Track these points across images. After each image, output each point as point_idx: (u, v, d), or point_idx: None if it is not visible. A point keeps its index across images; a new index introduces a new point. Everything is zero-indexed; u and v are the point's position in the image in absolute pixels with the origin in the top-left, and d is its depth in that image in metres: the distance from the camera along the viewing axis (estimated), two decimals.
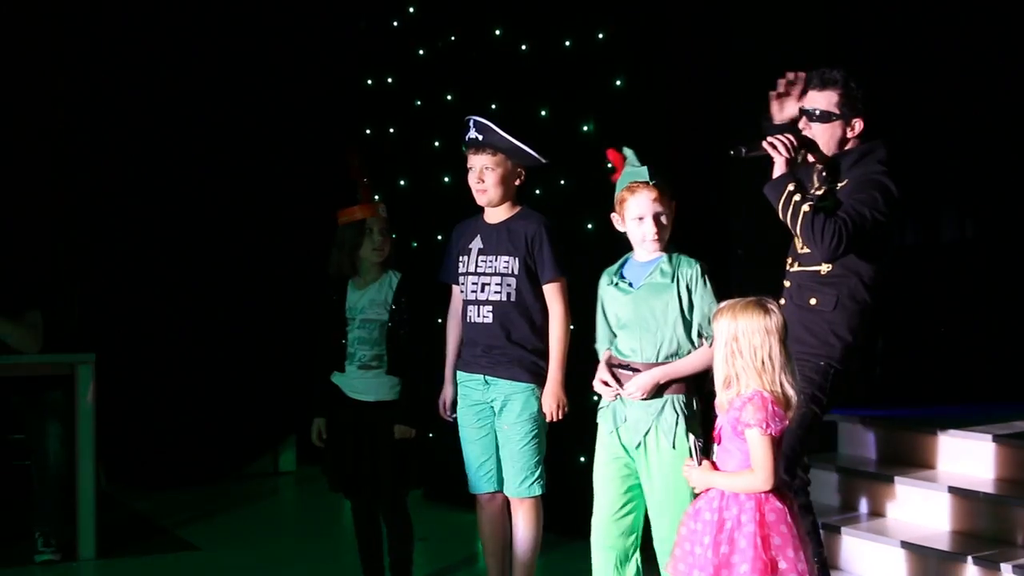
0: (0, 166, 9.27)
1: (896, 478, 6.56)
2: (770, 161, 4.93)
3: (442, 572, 6.55)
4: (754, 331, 4.15)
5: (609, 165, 4.96)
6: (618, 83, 7.10)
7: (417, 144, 8.34)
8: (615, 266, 4.91)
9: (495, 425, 5.39)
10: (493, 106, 7.72)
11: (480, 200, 5.45)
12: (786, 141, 4.89)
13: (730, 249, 7.31)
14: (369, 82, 8.92)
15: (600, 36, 7.12)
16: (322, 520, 7.93)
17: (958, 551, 5.96)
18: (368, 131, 8.75)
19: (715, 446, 4.32)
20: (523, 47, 7.67)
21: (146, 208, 8.80)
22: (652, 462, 4.74)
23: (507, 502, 5.46)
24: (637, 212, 4.79)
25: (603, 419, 4.85)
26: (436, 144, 8.07)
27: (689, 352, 4.76)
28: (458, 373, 5.51)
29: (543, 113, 7.34)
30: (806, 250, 4.95)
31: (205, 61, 8.94)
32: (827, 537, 6.33)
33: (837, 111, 4.98)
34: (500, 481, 5.43)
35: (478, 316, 5.41)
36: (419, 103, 8.47)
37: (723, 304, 4.29)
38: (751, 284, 4.73)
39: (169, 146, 8.85)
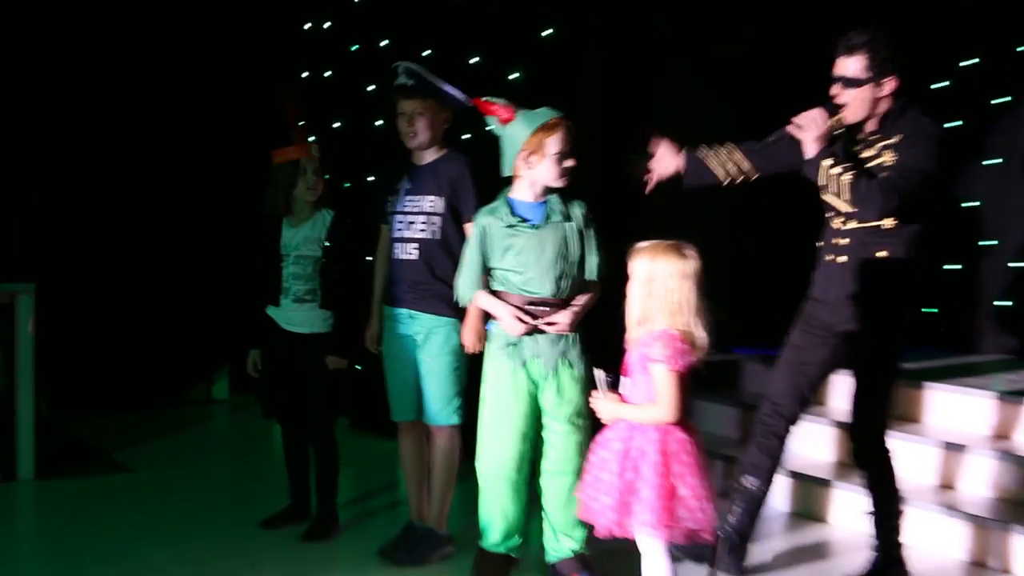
0: None
1: None
2: (796, 146, 4.99)
3: (365, 496, 6.62)
4: (670, 274, 4.22)
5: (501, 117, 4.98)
6: (544, 33, 7.13)
7: (352, 88, 8.34)
8: (499, 207, 4.96)
9: (418, 356, 5.44)
10: (426, 52, 7.75)
11: (410, 144, 5.47)
12: (815, 119, 4.90)
13: (645, 196, 7.38)
14: (307, 26, 8.89)
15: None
16: (253, 445, 8.01)
17: (833, 477, 6.23)
18: (305, 74, 8.73)
19: (624, 379, 4.40)
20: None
21: (87, 143, 8.72)
22: (564, 388, 4.95)
23: (426, 430, 5.54)
24: (558, 149, 4.88)
25: (509, 356, 4.95)
26: (370, 88, 8.08)
27: (581, 286, 4.97)
28: (385, 308, 5.56)
29: (473, 61, 7.35)
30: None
31: (154, 5, 8.87)
32: (726, 466, 6.48)
33: (865, 75, 4.93)
34: (419, 409, 5.49)
35: (404, 253, 5.44)
36: (355, 48, 8.45)
37: (642, 244, 4.33)
38: (662, 228, 4.69)
39: (109, 85, 8.76)
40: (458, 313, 5.31)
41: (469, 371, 5.44)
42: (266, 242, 5.86)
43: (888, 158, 4.95)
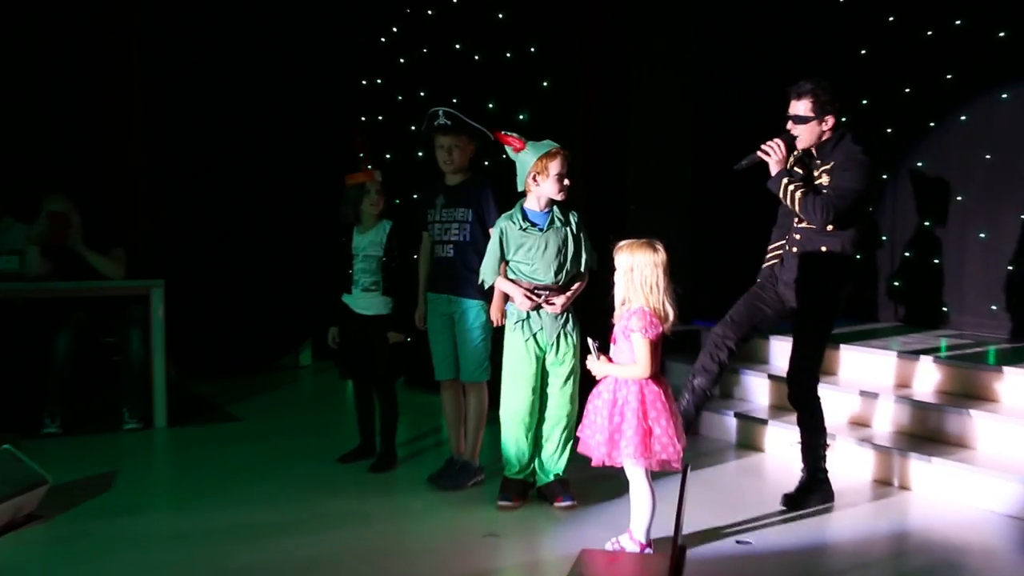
0: (92, 141, 9.21)
1: (739, 369, 6.67)
2: (765, 164, 5.01)
3: (416, 438, 6.56)
4: (646, 264, 4.27)
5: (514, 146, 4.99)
6: (545, 84, 7.08)
7: (399, 128, 8.29)
8: (515, 214, 5.00)
9: (455, 330, 5.44)
10: (454, 100, 7.68)
11: (447, 170, 5.48)
12: (775, 147, 4.94)
13: (624, 205, 7.36)
14: (364, 82, 8.84)
15: (532, 50, 7.10)
16: (329, 400, 7.96)
17: (772, 418, 6.12)
18: (363, 118, 8.67)
19: (612, 345, 4.39)
20: (476, 57, 7.63)
21: (201, 167, 8.68)
22: (562, 353, 5.03)
23: (462, 386, 5.51)
24: (557, 171, 4.91)
25: (519, 330, 5.01)
26: (412, 128, 8.03)
27: (575, 275, 5.02)
28: (428, 294, 5.55)
29: (490, 105, 7.30)
30: None
31: (254, 68, 8.83)
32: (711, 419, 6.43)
33: (812, 113, 4.98)
34: (457, 370, 5.47)
35: (443, 252, 5.46)
36: (400, 97, 8.41)
37: (622, 243, 4.37)
38: (638, 229, 4.71)
39: (226, 125, 8.74)
40: (485, 296, 5.31)
41: (493, 341, 5.41)
42: (340, 245, 5.88)
43: (825, 179, 4.98)
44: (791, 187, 4.95)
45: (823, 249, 5.00)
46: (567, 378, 5.04)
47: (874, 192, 5.09)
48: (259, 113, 8.84)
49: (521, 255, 4.96)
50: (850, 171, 4.91)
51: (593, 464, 4.41)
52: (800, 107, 5.00)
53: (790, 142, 5.03)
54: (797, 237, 5.11)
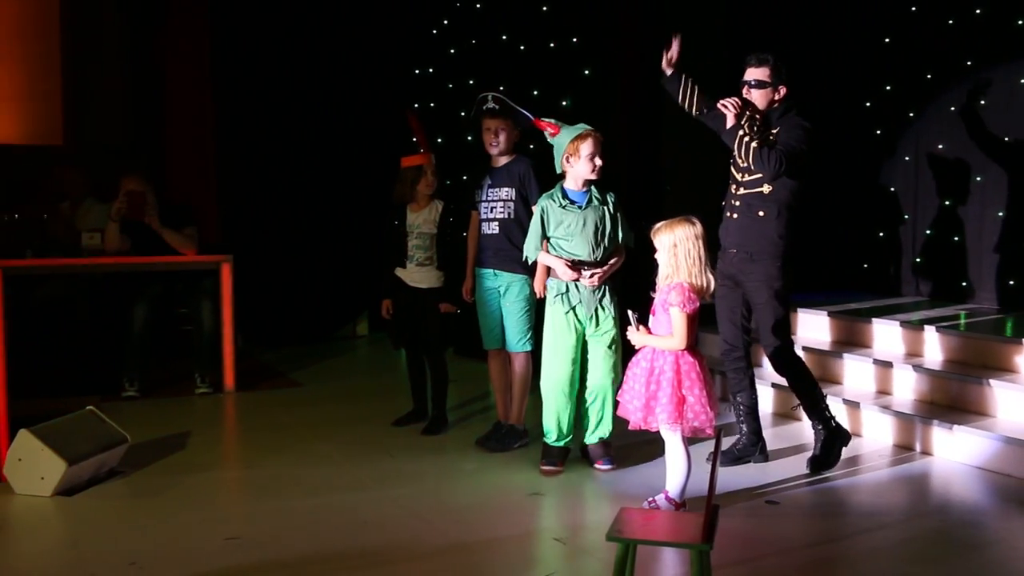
0: (169, 129, 9.29)
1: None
2: (723, 118, 4.89)
3: (466, 403, 6.55)
4: (686, 237, 4.24)
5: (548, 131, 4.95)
6: (586, 72, 7.02)
7: (449, 114, 8.26)
8: (555, 193, 4.95)
9: (501, 303, 5.42)
10: (501, 87, 7.62)
11: (493, 152, 5.47)
12: (733, 103, 4.80)
13: (662, 187, 7.29)
14: (416, 71, 8.81)
15: (574, 40, 7.02)
16: (384, 368, 7.93)
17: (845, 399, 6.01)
18: (416, 105, 8.65)
19: (651, 317, 4.35)
20: (521, 47, 7.57)
21: (266, 154, 8.72)
22: (601, 325, 4.94)
23: (508, 356, 5.50)
24: (589, 152, 4.85)
25: (561, 302, 4.93)
26: (462, 114, 8.00)
27: (612, 252, 4.93)
28: (476, 269, 5.53)
29: (535, 92, 7.24)
30: (751, 177, 4.91)
31: (317, 59, 8.82)
32: (720, 380, 6.36)
33: (768, 80, 4.93)
34: (502, 340, 5.49)
35: (489, 229, 5.46)
36: (450, 85, 8.37)
37: (661, 223, 4.32)
38: (677, 208, 4.66)
39: (290, 112, 8.75)
40: (528, 271, 5.29)
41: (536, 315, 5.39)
42: (395, 223, 5.86)
43: (770, 140, 4.88)
44: (746, 138, 4.87)
45: (760, 214, 4.90)
46: (608, 348, 4.95)
47: (813, 164, 4.92)
48: (320, 101, 8.84)
49: (561, 231, 4.90)
50: (792, 132, 4.85)
51: (631, 427, 4.39)
52: (759, 73, 4.94)
53: (748, 105, 4.90)
54: (737, 204, 4.99)
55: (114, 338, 6.92)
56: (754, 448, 5.16)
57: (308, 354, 8.34)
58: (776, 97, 4.97)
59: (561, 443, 5.07)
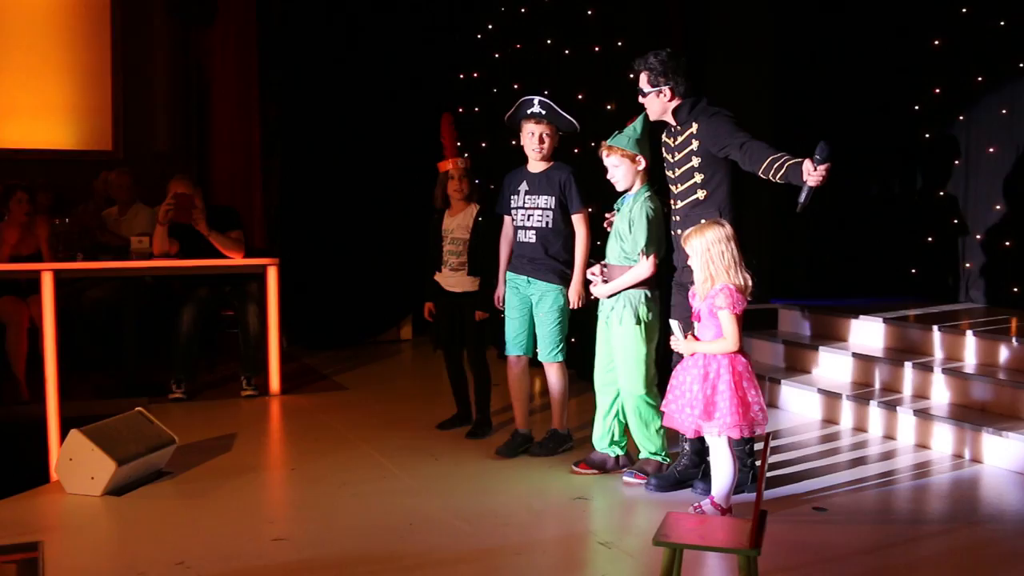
0: (217, 137, 9.39)
1: (819, 347, 6.53)
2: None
3: (509, 407, 6.50)
4: (717, 240, 4.20)
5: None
6: (631, 76, 6.96)
7: (494, 118, 8.26)
8: (622, 196, 4.92)
9: (533, 312, 5.36)
10: (545, 91, 7.61)
11: (536, 157, 5.32)
12: (825, 172, 4.15)
13: None
14: (461, 76, 8.83)
15: (619, 44, 6.99)
16: (428, 371, 7.91)
17: (863, 397, 5.94)
18: (460, 109, 8.66)
19: (695, 323, 4.31)
20: (566, 51, 7.56)
21: (318, 162, 8.73)
22: (613, 332, 4.88)
23: (529, 363, 5.50)
24: (606, 163, 4.87)
25: (599, 302, 4.96)
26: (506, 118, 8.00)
27: (635, 261, 4.77)
28: (508, 274, 5.45)
29: (579, 96, 7.23)
30: (683, 187, 4.68)
31: (363, 65, 8.84)
32: (771, 387, 6.34)
33: (648, 86, 4.69)
34: (526, 348, 5.44)
35: (525, 237, 5.33)
36: (495, 90, 8.38)
37: (691, 229, 4.30)
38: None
39: (336, 118, 8.76)
40: (563, 281, 5.26)
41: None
42: (434, 227, 5.86)
43: (695, 144, 4.64)
44: (777, 176, 4.35)
45: (703, 221, 4.56)
46: (621, 357, 4.83)
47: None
48: (366, 105, 8.87)
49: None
50: (725, 123, 4.54)
51: (689, 436, 4.37)
52: (640, 82, 4.72)
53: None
54: (677, 219, 4.74)
55: (162, 341, 7.00)
56: (696, 470, 4.79)
57: (352, 357, 8.37)
58: (665, 100, 4.67)
59: (598, 445, 5.09)
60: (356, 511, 4.56)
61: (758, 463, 4.58)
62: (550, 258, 5.26)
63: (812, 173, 4.16)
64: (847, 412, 5.99)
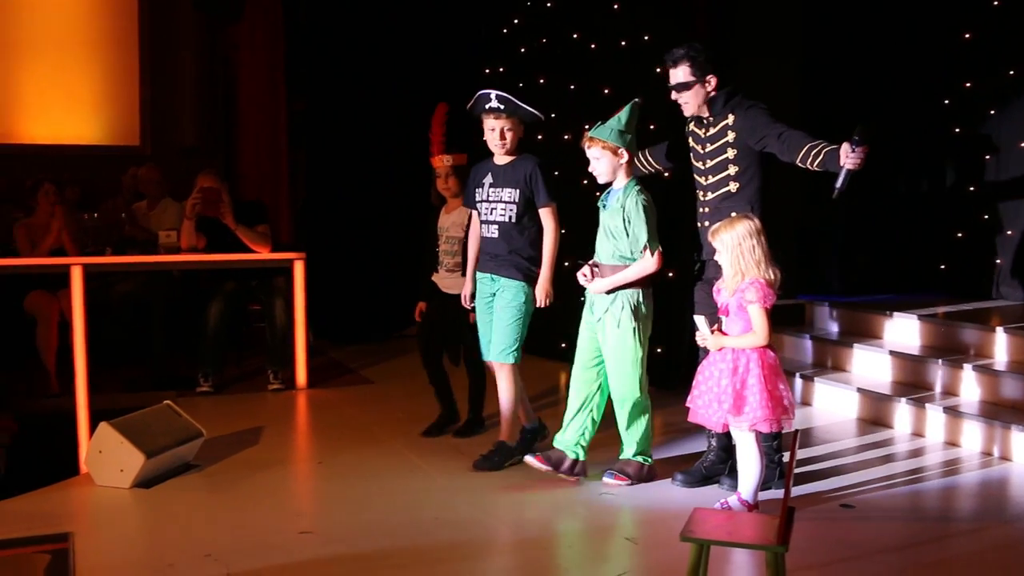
0: (245, 133, 9.44)
1: (849, 344, 6.48)
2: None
3: (533, 399, 6.52)
4: (748, 233, 4.18)
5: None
6: (658, 70, 6.94)
7: None
8: (605, 192, 4.73)
9: (493, 308, 5.09)
10: (572, 86, 7.62)
11: (499, 152, 5.04)
12: (863, 155, 4.18)
13: None
14: (487, 70, 8.82)
15: (645, 38, 6.97)
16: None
17: (895, 394, 5.90)
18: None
19: (723, 318, 4.29)
20: (592, 45, 7.54)
21: (342, 158, 8.76)
22: (606, 334, 4.66)
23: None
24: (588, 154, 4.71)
25: (586, 299, 4.78)
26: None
27: (632, 259, 4.60)
28: (477, 273, 5.18)
29: (606, 91, 7.21)
30: (714, 179, 4.64)
31: (387, 59, 8.84)
32: (804, 385, 6.30)
33: (693, 77, 4.60)
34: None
35: (488, 232, 5.06)
36: (521, 84, 8.35)
37: (719, 224, 4.27)
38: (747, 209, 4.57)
39: (360, 113, 8.76)
40: (527, 278, 4.99)
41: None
42: (430, 226, 5.73)
43: (731, 136, 4.60)
44: (814, 164, 4.35)
45: (733, 215, 4.53)
46: (615, 359, 4.65)
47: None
48: (392, 100, 8.87)
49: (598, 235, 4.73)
50: (762, 114, 4.50)
51: (716, 431, 4.35)
52: (679, 74, 4.61)
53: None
54: (706, 211, 4.68)
55: (189, 334, 7.04)
56: (723, 466, 4.75)
57: (378, 351, 8.39)
58: (708, 89, 4.62)
59: (561, 447, 4.81)
60: (382, 505, 4.57)
61: (785, 459, 4.55)
62: (513, 254, 4.99)
63: (850, 155, 4.16)
64: (876, 409, 5.94)
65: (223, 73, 9.75)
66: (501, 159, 5.07)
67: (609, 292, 4.64)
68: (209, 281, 7.10)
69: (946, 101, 7.54)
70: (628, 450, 4.80)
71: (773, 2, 7.38)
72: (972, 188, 7.45)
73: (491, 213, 5.05)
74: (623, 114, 4.61)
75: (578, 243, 5.59)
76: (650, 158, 5.10)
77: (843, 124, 5.60)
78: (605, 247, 4.67)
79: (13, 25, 9.27)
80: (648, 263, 4.59)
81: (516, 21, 8.51)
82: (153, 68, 9.58)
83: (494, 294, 5.06)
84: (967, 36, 7.31)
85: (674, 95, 4.70)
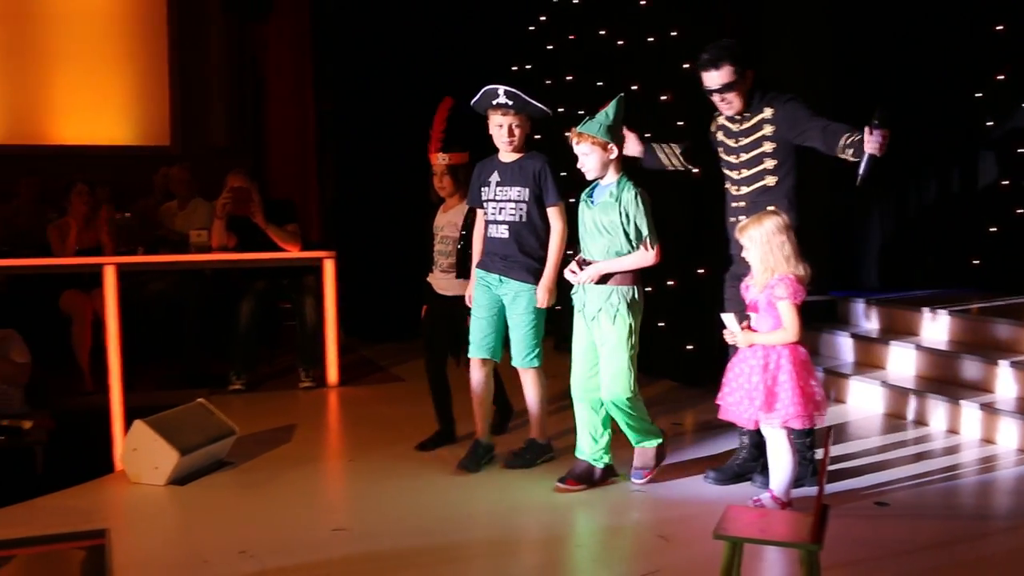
0: (274, 135, 9.49)
1: (882, 340, 6.42)
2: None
3: (554, 398, 6.49)
4: (777, 229, 4.16)
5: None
6: (685, 66, 6.91)
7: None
8: (589, 188, 4.58)
9: (506, 314, 4.91)
10: (599, 83, 7.59)
11: (507, 148, 4.88)
12: (882, 138, 4.13)
13: None
14: (514, 68, 8.82)
15: (673, 34, 6.94)
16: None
17: (929, 391, 5.84)
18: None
19: (752, 315, 4.27)
20: (620, 42, 7.51)
21: (371, 157, 8.71)
22: (603, 331, 4.50)
23: (494, 368, 5.05)
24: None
25: (574, 302, 4.61)
26: (560, 110, 7.97)
27: (628, 253, 4.47)
28: (480, 271, 4.98)
29: (633, 87, 7.18)
30: (750, 172, 4.58)
31: (414, 58, 8.82)
32: (837, 382, 6.26)
33: (735, 77, 4.50)
34: (492, 352, 4.99)
35: (496, 232, 4.87)
36: (548, 82, 8.35)
37: (747, 220, 4.24)
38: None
39: (387, 113, 8.70)
40: (538, 281, 4.81)
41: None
42: (429, 224, 5.59)
43: (768, 129, 4.54)
44: (849, 151, 4.28)
45: (770, 208, 4.47)
46: (609, 356, 4.49)
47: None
48: (420, 98, 8.84)
49: (581, 231, 4.57)
50: (802, 108, 4.44)
51: (748, 428, 4.33)
52: (724, 75, 4.50)
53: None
54: (741, 205, 4.61)
55: (221, 333, 7.08)
56: (756, 463, 4.69)
57: (409, 349, 8.33)
58: (748, 86, 4.55)
59: (580, 455, 4.73)
60: (414, 502, 4.58)
61: (819, 456, 4.53)
62: (525, 255, 4.81)
63: (870, 139, 4.11)
64: (910, 406, 5.89)
65: (252, 73, 9.80)
66: (507, 156, 4.91)
67: (600, 283, 4.48)
68: (240, 280, 7.14)
69: (978, 94, 7.47)
70: (638, 442, 4.70)
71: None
72: (1005, 181, 7.37)
73: (500, 213, 4.88)
74: (610, 108, 4.46)
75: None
76: (680, 158, 4.98)
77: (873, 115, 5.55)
78: (597, 244, 4.50)
79: (45, 30, 9.38)
80: (647, 256, 4.45)
81: (543, 19, 8.51)
82: (183, 69, 9.65)
83: (499, 296, 4.89)
84: (999, 28, 7.23)
85: (717, 97, 4.61)
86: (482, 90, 4.82)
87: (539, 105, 4.82)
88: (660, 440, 4.74)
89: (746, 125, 4.63)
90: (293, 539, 4.16)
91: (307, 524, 4.34)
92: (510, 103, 4.76)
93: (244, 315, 6.87)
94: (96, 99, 9.53)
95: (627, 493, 4.66)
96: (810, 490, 4.42)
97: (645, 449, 4.71)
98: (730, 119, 4.70)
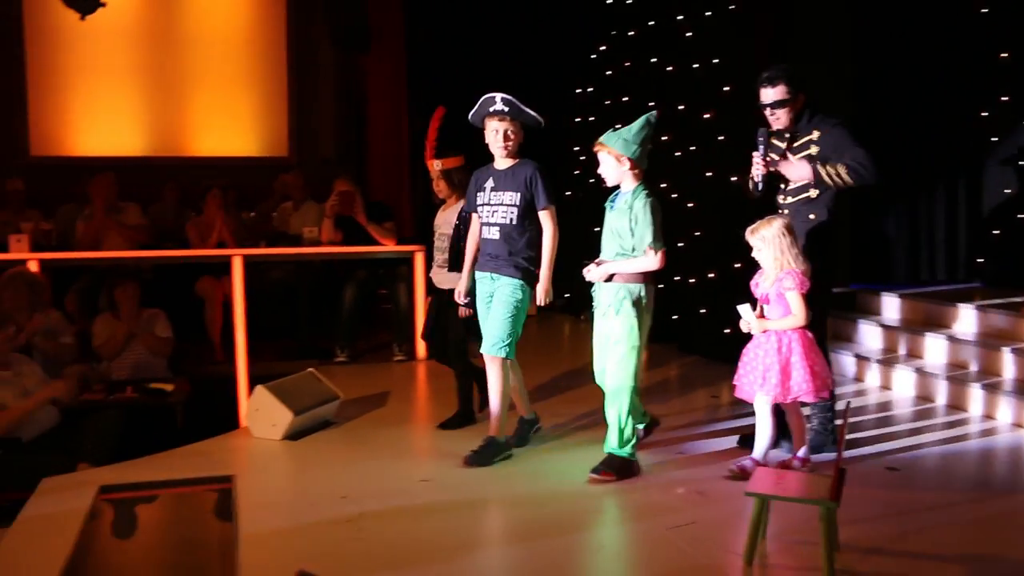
0: (374, 146, 9.56)
1: (924, 332, 6.19)
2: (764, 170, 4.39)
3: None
4: (784, 231, 4.13)
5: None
6: (726, 89, 6.78)
7: (606, 128, 8.12)
8: (612, 195, 4.33)
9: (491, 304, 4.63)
10: (651, 103, 7.49)
11: (502, 155, 4.56)
12: (759, 160, 4.33)
13: None
14: (578, 90, 8.75)
15: (715, 61, 6.80)
16: (556, 341, 7.94)
17: (955, 376, 5.65)
18: (578, 120, 8.58)
19: (764, 305, 4.23)
20: (668, 68, 7.42)
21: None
22: (610, 325, 4.27)
23: (505, 362, 4.59)
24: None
25: (594, 298, 4.36)
26: (617, 127, 7.93)
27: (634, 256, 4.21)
28: (476, 272, 4.69)
29: (680, 107, 7.10)
30: (795, 185, 4.44)
31: (498, 82, 8.74)
32: (860, 366, 6.10)
33: (788, 96, 4.39)
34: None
35: (489, 234, 4.58)
36: (608, 102, 8.26)
37: (756, 223, 4.18)
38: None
39: (473, 135, 8.65)
40: (525, 277, 4.51)
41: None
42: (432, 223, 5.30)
43: (814, 149, 4.40)
44: (827, 168, 4.25)
45: (811, 217, 4.38)
46: (616, 345, 4.22)
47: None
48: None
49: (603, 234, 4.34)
50: (847, 135, 4.32)
51: (773, 402, 4.23)
52: (777, 93, 4.38)
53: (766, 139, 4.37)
54: (785, 213, 4.45)
55: (329, 314, 7.19)
56: (778, 433, 4.35)
57: None
58: (798, 108, 4.43)
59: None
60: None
61: (839, 425, 4.45)
62: (513, 255, 4.51)
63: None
64: (929, 388, 5.67)
65: (356, 96, 9.92)
66: (502, 163, 4.59)
67: (609, 281, 4.23)
68: (344, 269, 7.24)
69: (984, 113, 7.25)
70: (616, 444, 4.28)
71: (826, 23, 7.12)
72: (1008, 190, 7.17)
73: (492, 216, 4.57)
74: (635, 125, 4.24)
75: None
76: (842, 177, 4.43)
77: (894, 134, 5.41)
78: (610, 245, 4.26)
79: (185, 59, 9.60)
80: (651, 261, 4.16)
81: (603, 48, 8.47)
82: (299, 92, 9.81)
83: (493, 293, 4.59)
84: (1004, 55, 7.01)
85: (769, 112, 4.48)
86: (481, 98, 4.56)
87: (533, 114, 4.54)
88: (631, 455, 4.31)
89: (794, 144, 4.51)
90: (387, 487, 4.22)
91: (398, 475, 4.39)
92: (506, 109, 4.49)
93: (348, 299, 6.97)
94: (226, 117, 9.74)
95: (671, 454, 4.63)
96: (830, 455, 4.35)
97: (614, 456, 4.30)
98: (778, 138, 4.57)
